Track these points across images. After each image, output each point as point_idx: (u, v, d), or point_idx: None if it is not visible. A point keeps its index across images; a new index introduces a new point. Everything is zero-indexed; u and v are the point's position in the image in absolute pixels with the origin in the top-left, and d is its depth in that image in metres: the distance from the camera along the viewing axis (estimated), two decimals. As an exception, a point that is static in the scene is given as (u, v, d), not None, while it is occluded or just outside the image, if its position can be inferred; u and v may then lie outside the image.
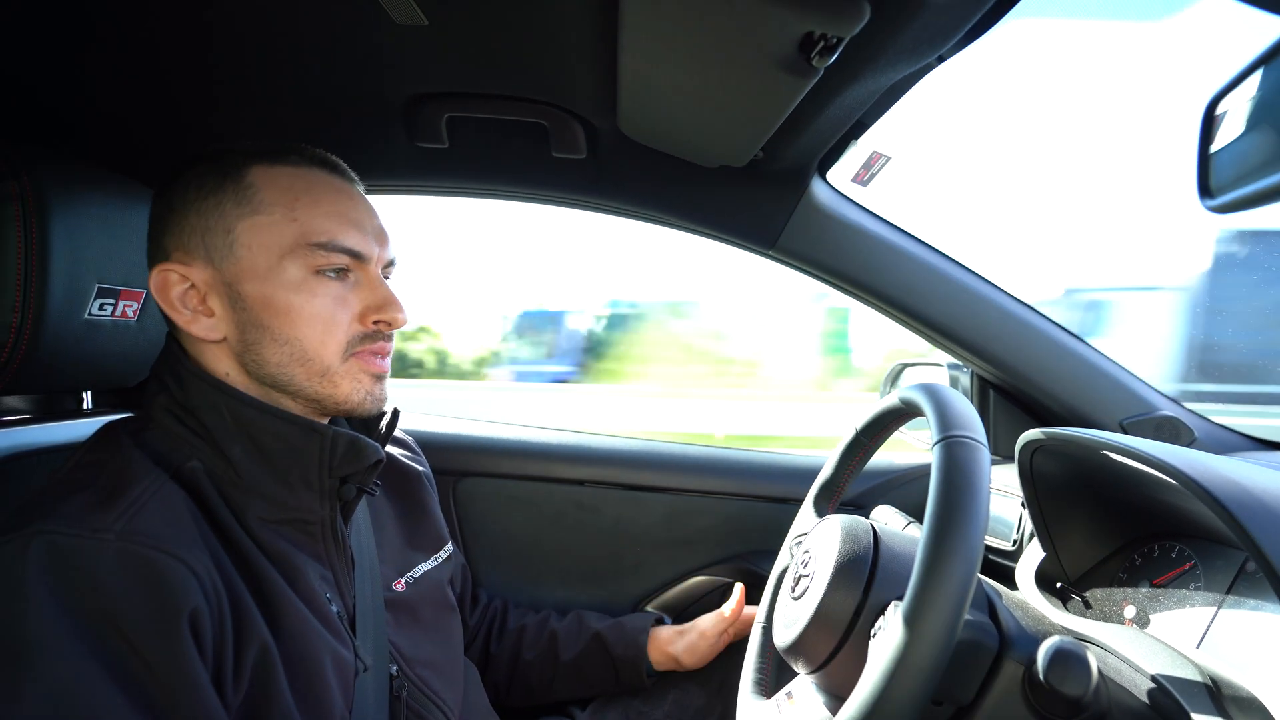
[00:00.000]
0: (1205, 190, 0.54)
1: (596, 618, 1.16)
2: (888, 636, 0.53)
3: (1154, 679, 0.62)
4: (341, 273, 0.73)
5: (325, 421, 0.76)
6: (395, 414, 0.83)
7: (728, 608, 1.16)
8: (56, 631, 0.53)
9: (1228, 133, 0.53)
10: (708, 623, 1.15)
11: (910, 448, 1.37)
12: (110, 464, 0.65)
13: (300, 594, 0.68)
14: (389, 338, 0.76)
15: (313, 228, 0.71)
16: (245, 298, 0.70)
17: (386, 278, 0.78)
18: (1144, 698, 0.61)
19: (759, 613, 0.87)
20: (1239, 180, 0.51)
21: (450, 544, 0.99)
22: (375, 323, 0.74)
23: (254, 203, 0.71)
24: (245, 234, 0.70)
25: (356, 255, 0.73)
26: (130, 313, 0.88)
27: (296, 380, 0.71)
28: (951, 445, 0.57)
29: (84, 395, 1.08)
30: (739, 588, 1.18)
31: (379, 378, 0.76)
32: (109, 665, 0.54)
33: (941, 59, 0.77)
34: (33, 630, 0.53)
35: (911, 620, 0.52)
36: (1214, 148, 0.54)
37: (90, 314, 0.83)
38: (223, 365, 0.72)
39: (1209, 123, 0.54)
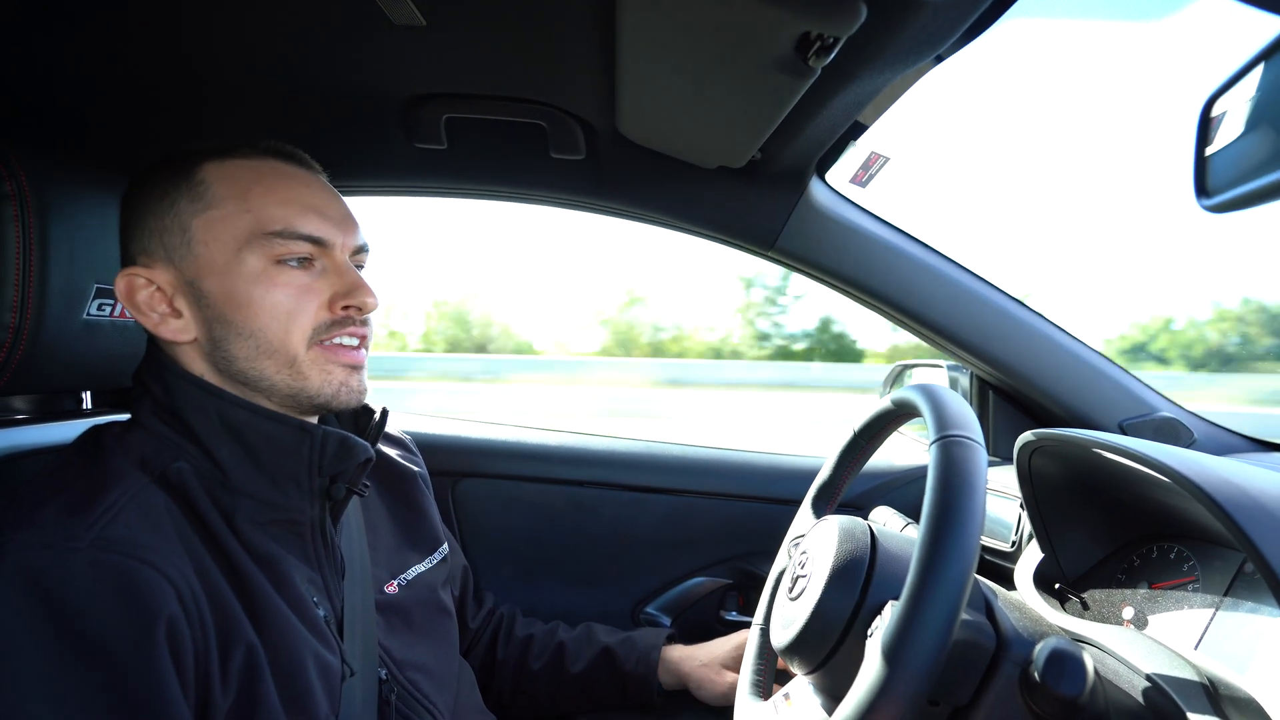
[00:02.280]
0: (1202, 190, 0.54)
1: (606, 631, 1.11)
2: (884, 637, 0.53)
3: (1151, 679, 0.62)
4: (305, 261, 0.72)
5: (313, 420, 0.76)
6: (384, 413, 0.83)
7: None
8: (25, 642, 0.53)
9: (1224, 133, 0.53)
10: (721, 658, 1.06)
11: (914, 449, 1.37)
12: (89, 468, 0.65)
13: (286, 598, 0.68)
14: (362, 324, 0.75)
15: (267, 216, 0.70)
16: (208, 294, 0.70)
17: (360, 266, 0.77)
18: (1141, 698, 0.61)
19: (757, 614, 0.87)
20: (1236, 180, 0.51)
21: (445, 545, 0.98)
22: (344, 308, 0.73)
23: (206, 198, 0.70)
24: (201, 230, 0.70)
25: (318, 241, 0.72)
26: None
27: (267, 375, 0.71)
28: (948, 445, 0.57)
29: (83, 396, 1.08)
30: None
31: (353, 368, 0.74)
32: (78, 675, 0.54)
33: (940, 59, 0.77)
34: (1, 641, 0.53)
35: (908, 620, 0.52)
36: (1210, 148, 0.53)
37: (89, 314, 0.83)
38: (197, 366, 0.72)
39: (1205, 123, 0.54)
